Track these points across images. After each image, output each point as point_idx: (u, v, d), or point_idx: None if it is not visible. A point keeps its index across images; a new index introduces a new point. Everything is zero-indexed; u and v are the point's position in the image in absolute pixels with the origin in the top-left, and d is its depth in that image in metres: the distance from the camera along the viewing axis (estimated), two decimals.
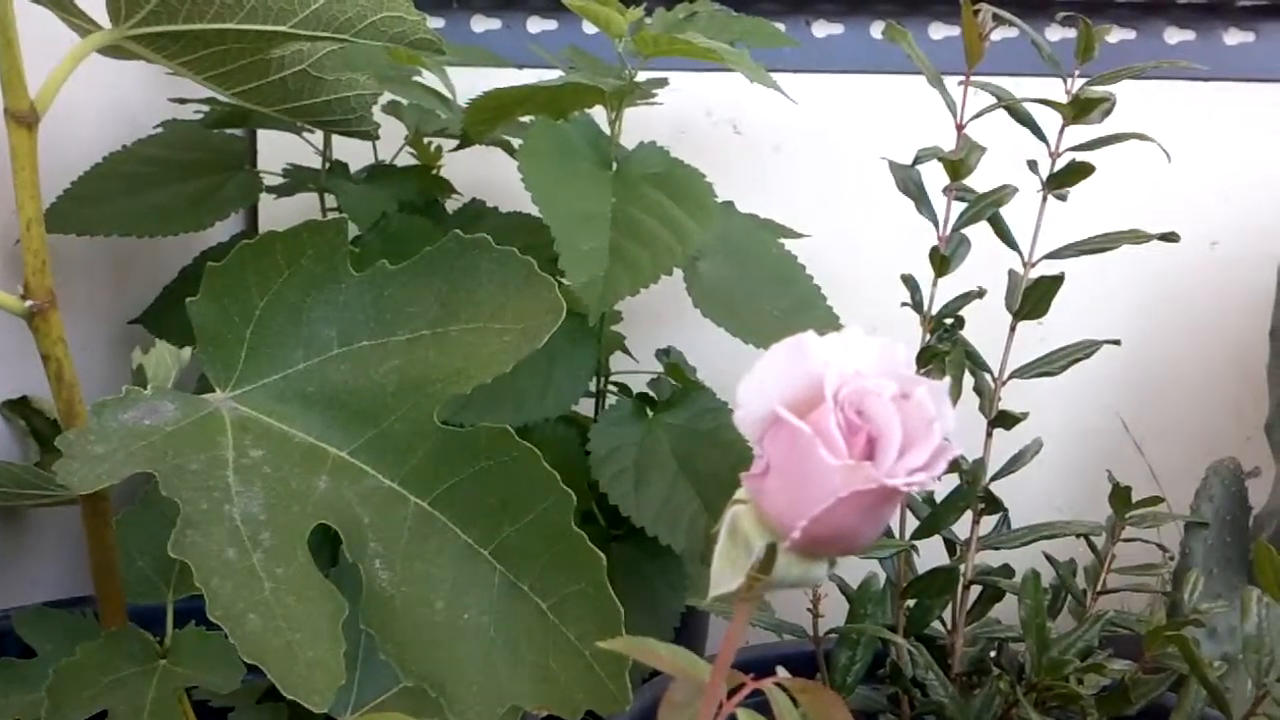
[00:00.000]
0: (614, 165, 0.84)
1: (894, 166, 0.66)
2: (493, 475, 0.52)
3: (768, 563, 0.32)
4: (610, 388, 0.98)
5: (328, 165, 0.94)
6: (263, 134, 1.11)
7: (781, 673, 0.37)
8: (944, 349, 0.61)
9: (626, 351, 1.00)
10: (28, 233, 0.59)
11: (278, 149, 1.03)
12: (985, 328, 0.69)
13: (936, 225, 0.65)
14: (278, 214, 1.07)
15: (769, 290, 0.91)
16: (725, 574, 0.32)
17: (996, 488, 0.68)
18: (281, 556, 0.53)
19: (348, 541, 0.53)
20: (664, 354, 0.99)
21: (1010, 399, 0.69)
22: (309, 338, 0.58)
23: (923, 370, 0.63)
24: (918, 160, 0.66)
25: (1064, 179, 0.65)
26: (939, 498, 0.67)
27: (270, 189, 0.96)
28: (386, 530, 0.54)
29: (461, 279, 0.56)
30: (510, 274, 0.56)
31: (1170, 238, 0.65)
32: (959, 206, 0.65)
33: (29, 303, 0.59)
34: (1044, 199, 0.67)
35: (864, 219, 1.16)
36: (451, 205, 1.02)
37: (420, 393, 0.55)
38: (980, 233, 0.68)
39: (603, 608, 0.50)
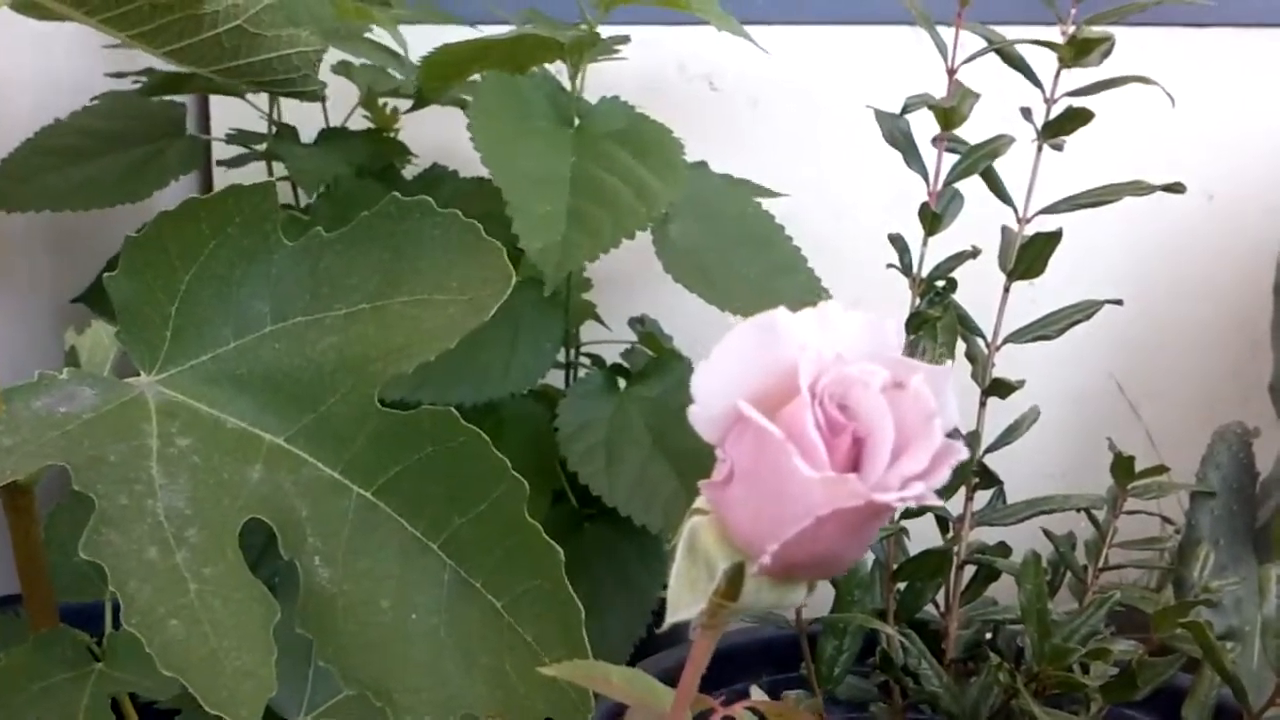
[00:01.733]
0: (575, 122, 0.79)
1: (880, 116, 0.60)
2: (439, 462, 0.48)
3: (733, 586, 0.27)
4: (582, 359, 0.94)
5: (275, 130, 0.88)
6: (216, 101, 1.05)
7: (755, 693, 0.32)
8: (935, 314, 0.56)
9: (599, 320, 0.95)
10: None
11: (233, 117, 0.97)
12: (975, 289, 0.65)
13: (927, 179, 0.60)
14: (231, 181, 1.03)
15: (745, 253, 0.86)
16: (684, 597, 0.27)
17: (989, 460, 0.64)
18: (209, 555, 0.48)
19: (283, 537, 0.49)
20: (638, 323, 0.94)
21: (1002, 364, 0.65)
22: (239, 314, 0.53)
23: (912, 337, 0.58)
24: (906, 109, 0.60)
25: (1060, 127, 0.61)
26: None
27: (222, 162, 0.91)
28: (326, 523, 0.49)
29: (403, 246, 0.52)
30: (455, 240, 0.51)
31: (1175, 188, 0.60)
32: (950, 159, 0.60)
33: None
34: (1039, 150, 0.62)
35: (848, 176, 1.11)
36: (411, 171, 0.97)
37: (360, 373, 0.51)
38: (967, 188, 0.63)
39: (561, 607, 0.45)
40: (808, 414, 0.25)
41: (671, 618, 0.27)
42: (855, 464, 0.25)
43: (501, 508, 0.47)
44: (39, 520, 0.58)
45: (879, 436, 0.25)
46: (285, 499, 0.50)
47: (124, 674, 0.60)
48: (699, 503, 0.28)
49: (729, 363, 0.26)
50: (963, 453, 0.25)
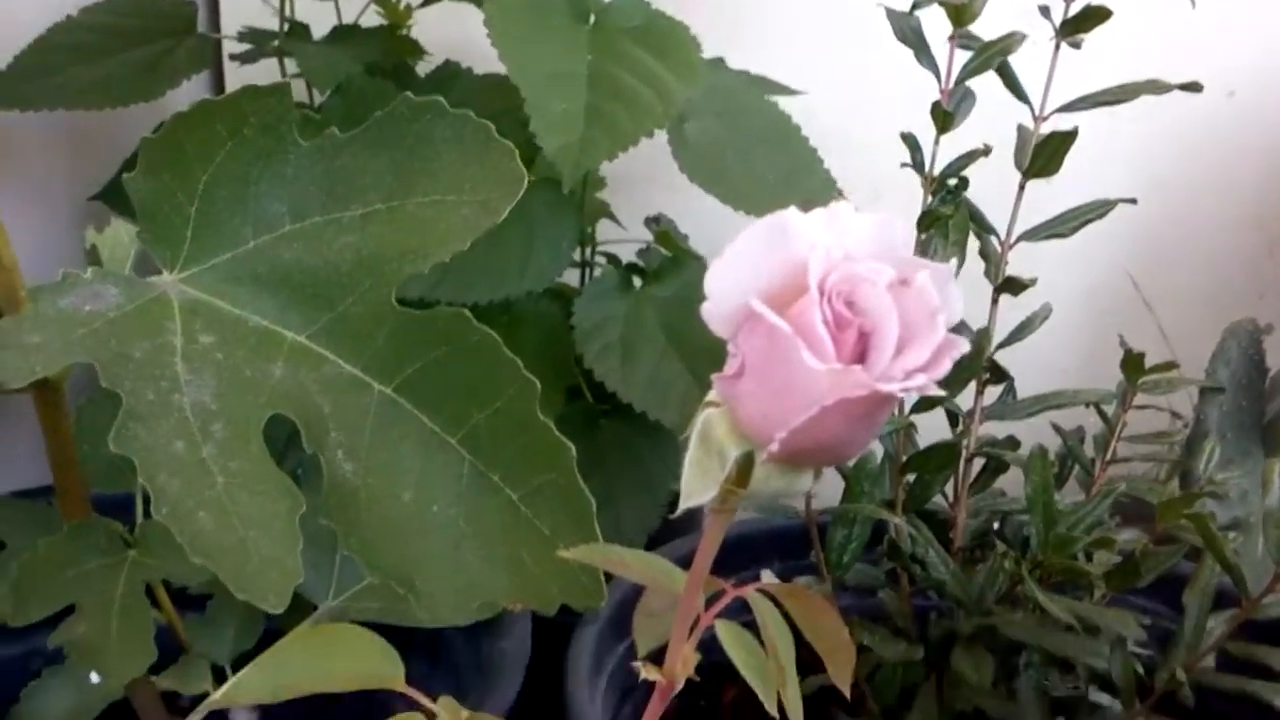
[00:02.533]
0: (591, 19, 0.78)
1: (891, 13, 0.60)
2: (454, 361, 0.49)
3: (744, 474, 0.28)
4: (598, 258, 0.94)
5: (287, 27, 0.88)
6: None
7: (766, 576, 0.34)
8: (946, 212, 0.57)
9: (614, 219, 0.95)
10: None
11: (244, 13, 0.96)
12: (993, 188, 0.65)
13: (939, 77, 0.60)
14: (244, 79, 1.02)
15: (761, 153, 0.86)
16: (697, 485, 0.28)
17: (1001, 356, 0.65)
18: (234, 449, 0.49)
19: (306, 432, 0.50)
20: (653, 221, 0.94)
21: (1016, 262, 0.65)
22: (257, 214, 0.54)
23: (924, 235, 0.58)
24: (916, 5, 0.60)
25: (1078, 24, 0.60)
26: None
27: (235, 56, 0.91)
28: (349, 419, 0.51)
29: (416, 147, 0.52)
30: (467, 141, 0.51)
31: (1192, 87, 0.60)
32: (964, 57, 0.60)
33: None
34: (1056, 47, 0.61)
35: (865, 72, 1.10)
36: (424, 68, 0.96)
37: (377, 273, 0.51)
38: (986, 86, 0.62)
39: (574, 500, 0.47)
40: (815, 310, 0.26)
41: (685, 503, 0.29)
42: (861, 357, 0.26)
43: (514, 406, 0.48)
44: (69, 415, 0.59)
45: (884, 331, 0.26)
46: (308, 395, 0.51)
47: (156, 561, 0.62)
48: (711, 395, 0.29)
49: (741, 261, 0.27)
50: (964, 347, 0.26)
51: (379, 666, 0.34)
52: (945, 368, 0.26)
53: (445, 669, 0.69)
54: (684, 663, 0.31)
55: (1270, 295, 1.11)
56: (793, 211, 0.27)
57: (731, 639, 0.30)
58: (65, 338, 0.50)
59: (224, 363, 0.51)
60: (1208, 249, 1.18)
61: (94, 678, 0.61)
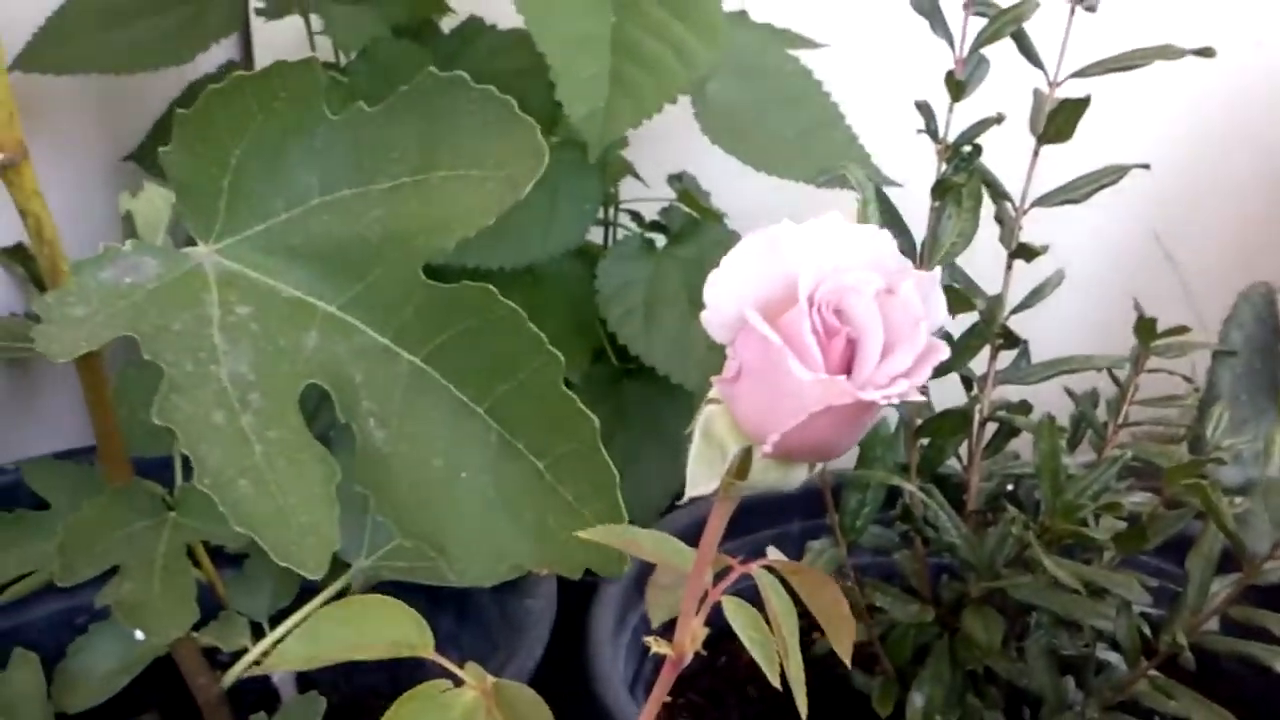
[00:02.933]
0: None
1: None
2: (481, 334, 0.50)
3: (743, 467, 0.30)
4: (621, 216, 0.95)
5: None
6: None
7: (772, 553, 0.35)
8: (960, 180, 0.57)
9: (637, 176, 0.96)
10: None
11: None
12: (1012, 151, 0.65)
13: (953, 46, 0.60)
14: (271, 40, 1.03)
15: (782, 112, 0.86)
16: (701, 476, 0.30)
17: (1017, 320, 0.66)
18: (272, 418, 0.51)
19: (340, 400, 0.52)
20: (676, 179, 0.95)
21: (1038, 222, 0.66)
22: (289, 186, 0.55)
23: (937, 203, 0.59)
24: None
25: None
26: (956, 334, 0.64)
27: (260, 11, 0.91)
28: (380, 388, 0.52)
29: (440, 121, 0.53)
30: (490, 116, 0.52)
31: (1206, 53, 0.60)
32: (978, 24, 0.60)
33: None
34: (1071, 10, 0.62)
35: (889, 27, 1.09)
36: (449, 25, 0.97)
37: (405, 246, 0.53)
38: (1002, 50, 0.63)
39: (597, 469, 0.49)
40: (805, 321, 0.27)
41: (690, 492, 0.30)
42: (849, 363, 0.28)
43: (539, 378, 0.49)
44: (108, 381, 0.61)
45: (870, 338, 0.27)
46: (340, 365, 0.52)
47: (196, 522, 0.64)
48: (712, 393, 0.31)
49: (737, 271, 0.29)
50: (945, 353, 0.28)
51: (410, 635, 0.37)
52: (926, 373, 0.27)
53: (472, 625, 0.72)
54: (693, 637, 0.33)
55: None
56: (785, 226, 0.28)
57: (737, 614, 0.32)
58: (107, 310, 0.52)
59: (259, 333, 0.53)
60: (1234, 204, 1.18)
61: (139, 635, 0.63)
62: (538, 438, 0.50)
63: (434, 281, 0.52)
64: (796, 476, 0.30)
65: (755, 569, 0.34)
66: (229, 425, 0.51)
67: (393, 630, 0.37)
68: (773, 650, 0.32)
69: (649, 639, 0.33)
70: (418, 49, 0.85)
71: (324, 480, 0.50)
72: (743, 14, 0.92)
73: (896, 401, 0.27)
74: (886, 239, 0.28)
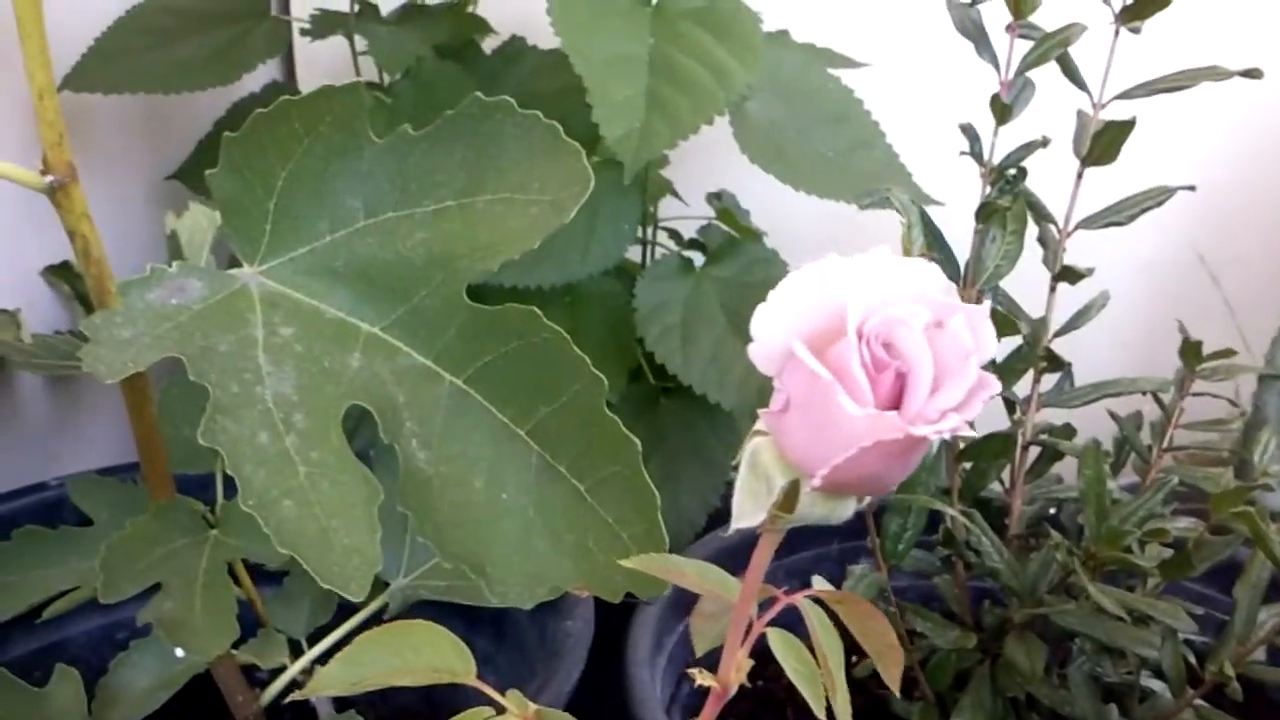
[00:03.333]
0: (653, 1, 0.79)
1: (951, 5, 0.60)
2: (524, 356, 0.51)
3: (790, 500, 0.30)
4: (660, 234, 0.95)
5: (357, 8, 0.89)
6: None
7: (818, 583, 0.35)
8: (1004, 204, 0.57)
9: (676, 195, 0.96)
10: (41, 103, 0.56)
11: None
12: (1057, 173, 0.65)
13: (998, 69, 0.60)
14: (315, 59, 1.04)
15: (823, 130, 0.86)
16: (747, 508, 0.30)
17: (1060, 342, 0.65)
18: (315, 439, 0.52)
19: (383, 421, 0.52)
20: (715, 198, 0.95)
21: (1077, 240, 0.65)
22: (333, 209, 0.56)
23: (981, 227, 0.59)
24: None
25: (1138, 10, 0.60)
26: (1000, 357, 0.64)
27: (305, 32, 0.92)
28: (422, 409, 0.53)
29: (486, 145, 0.53)
30: (535, 141, 0.52)
31: (1253, 74, 0.59)
32: (1023, 47, 0.60)
33: (49, 178, 0.57)
34: (1116, 33, 0.61)
35: (932, 46, 1.09)
36: (491, 44, 0.97)
37: (448, 268, 0.53)
38: (1046, 74, 0.63)
39: (639, 492, 0.48)
40: (853, 354, 0.27)
41: (736, 524, 0.30)
42: (898, 396, 0.28)
43: (582, 401, 0.49)
44: (153, 398, 0.62)
45: (920, 372, 0.27)
46: (383, 386, 0.53)
47: (237, 540, 0.64)
48: (759, 425, 0.31)
49: (785, 305, 0.28)
50: (996, 387, 0.27)
51: (451, 661, 0.37)
52: (977, 408, 0.27)
53: (510, 647, 0.72)
54: (738, 669, 0.33)
55: None
56: (833, 260, 0.28)
57: (783, 647, 0.32)
58: (154, 331, 0.53)
59: (303, 354, 0.53)
60: (1276, 221, 1.17)
61: (179, 652, 0.64)
62: (579, 460, 0.50)
63: (476, 303, 0.52)
64: (844, 510, 0.30)
65: (801, 600, 0.34)
66: (273, 446, 0.51)
67: (434, 656, 0.37)
68: (819, 683, 0.31)
69: (693, 670, 0.33)
70: (460, 70, 0.86)
71: (367, 502, 0.50)
72: (784, 34, 0.93)
73: (947, 436, 0.27)
74: (935, 272, 0.28)
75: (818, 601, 0.34)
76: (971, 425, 0.57)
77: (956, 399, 0.27)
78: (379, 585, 0.70)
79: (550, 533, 0.51)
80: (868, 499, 0.30)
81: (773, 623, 0.34)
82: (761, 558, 0.32)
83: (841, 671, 0.32)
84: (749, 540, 0.68)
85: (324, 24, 0.89)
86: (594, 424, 0.49)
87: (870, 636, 0.33)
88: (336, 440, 0.52)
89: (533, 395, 0.51)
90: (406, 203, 0.55)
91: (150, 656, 0.66)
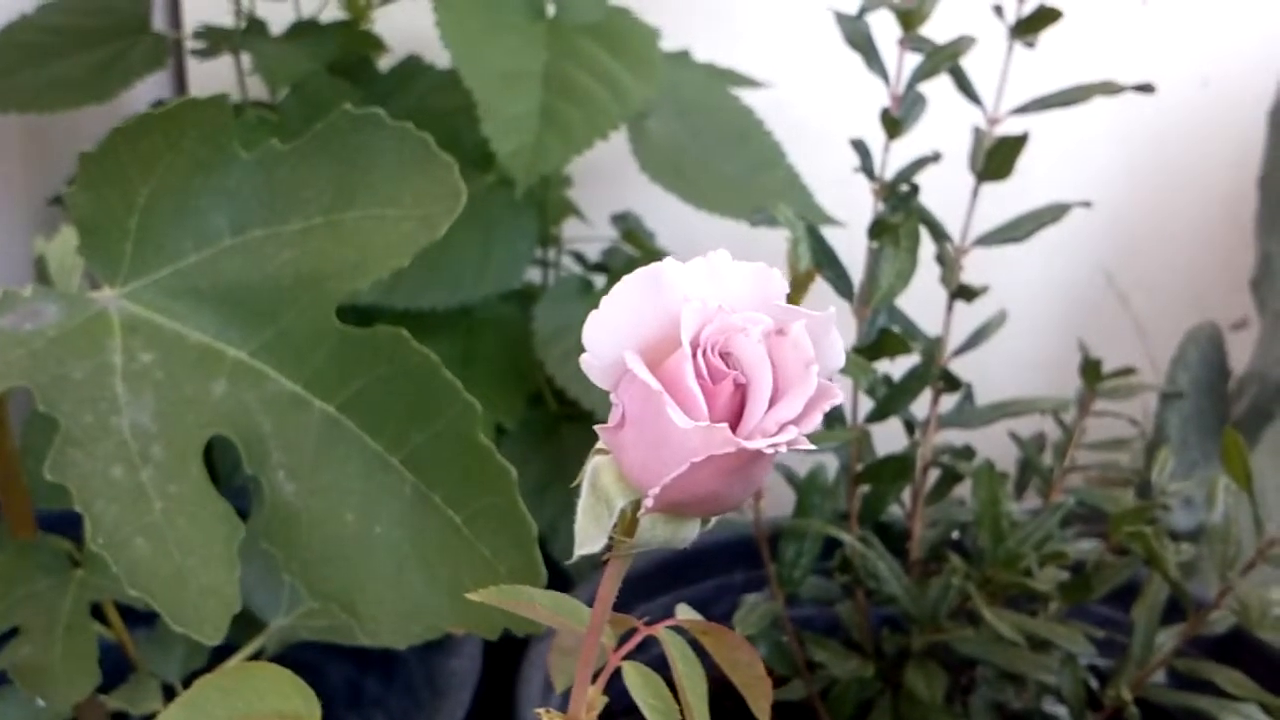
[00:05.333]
0: (549, 13, 0.77)
1: (840, 18, 0.59)
2: (396, 381, 0.48)
3: (629, 523, 0.28)
4: (564, 257, 0.93)
5: (244, 23, 0.87)
6: None
7: (683, 611, 0.33)
8: (896, 220, 0.56)
9: (581, 216, 0.94)
10: None
11: (206, 10, 0.95)
12: (954, 190, 0.64)
13: (888, 82, 0.59)
14: (207, 81, 1.01)
15: (723, 149, 0.85)
16: (589, 532, 0.28)
17: (959, 362, 0.64)
18: (173, 472, 0.49)
19: (247, 453, 0.50)
20: (620, 219, 0.94)
21: (982, 260, 0.64)
22: (198, 227, 0.53)
23: (874, 245, 0.57)
24: (865, 9, 0.59)
25: (1032, 24, 0.59)
26: (897, 376, 0.62)
27: (196, 52, 0.89)
28: (290, 438, 0.50)
29: (355, 159, 0.51)
30: (407, 154, 0.50)
31: (1145, 89, 0.59)
32: (915, 60, 0.59)
33: None
34: (1010, 47, 0.61)
35: (838, 64, 1.08)
36: (389, 63, 0.95)
37: (316, 289, 0.51)
38: (942, 85, 0.62)
39: (515, 523, 0.46)
40: (687, 365, 0.25)
41: (579, 550, 0.28)
42: (739, 410, 0.26)
43: (455, 428, 0.47)
44: (12, 431, 0.58)
45: (758, 383, 0.25)
46: (248, 414, 0.50)
47: (105, 580, 0.60)
48: (599, 444, 0.29)
49: (618, 312, 0.26)
50: (837, 398, 0.26)
51: (296, 706, 0.34)
52: (817, 420, 0.25)
53: (399, 688, 0.69)
54: (590, 706, 0.30)
55: (1246, 289, 1.10)
56: (669, 264, 0.26)
57: (638, 682, 0.30)
58: (4, 359, 0.50)
59: (164, 382, 0.51)
60: (1184, 241, 1.18)
61: (39, 702, 0.60)
62: (455, 491, 0.48)
63: (352, 326, 0.50)
64: (687, 534, 0.28)
65: (661, 631, 0.31)
66: (128, 480, 0.48)
67: (279, 700, 0.34)
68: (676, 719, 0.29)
69: (539, 710, 0.30)
70: (351, 87, 0.83)
71: (226, 539, 0.47)
72: (684, 54, 0.91)
73: (783, 450, 0.25)
74: (777, 277, 0.26)
75: (681, 632, 0.32)
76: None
77: (795, 411, 0.25)
78: (258, 625, 0.66)
79: (425, 567, 0.48)
80: (712, 520, 0.28)
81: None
82: (608, 587, 0.29)
83: (704, 704, 0.30)
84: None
85: (210, 40, 0.86)
86: (468, 453, 0.47)
87: (737, 668, 0.31)
88: (196, 473, 0.49)
89: (405, 422, 0.49)
90: (273, 220, 0.53)
91: (11, 706, 0.62)
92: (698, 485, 0.26)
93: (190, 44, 0.91)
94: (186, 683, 0.66)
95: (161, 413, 0.50)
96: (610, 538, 0.28)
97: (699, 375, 0.25)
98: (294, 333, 0.51)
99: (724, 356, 0.26)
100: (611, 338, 0.26)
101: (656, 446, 0.26)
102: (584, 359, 0.27)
